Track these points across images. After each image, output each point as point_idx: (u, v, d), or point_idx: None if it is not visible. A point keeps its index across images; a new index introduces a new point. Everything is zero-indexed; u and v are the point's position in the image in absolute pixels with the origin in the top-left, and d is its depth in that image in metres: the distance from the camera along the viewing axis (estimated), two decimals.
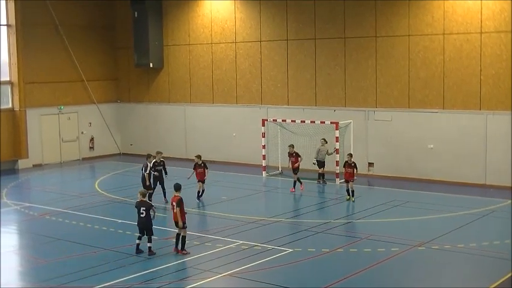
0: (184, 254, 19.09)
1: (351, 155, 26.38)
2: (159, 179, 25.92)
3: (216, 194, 27.72)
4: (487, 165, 27.85)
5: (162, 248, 19.93)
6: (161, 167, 25.95)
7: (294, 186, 27.77)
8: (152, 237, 19.33)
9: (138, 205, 19.37)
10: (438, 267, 17.79)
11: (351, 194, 25.82)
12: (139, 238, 19.32)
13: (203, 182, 26.22)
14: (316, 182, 29.24)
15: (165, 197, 25.75)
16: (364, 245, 19.79)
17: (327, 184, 29.28)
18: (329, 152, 29.45)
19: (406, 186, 28.55)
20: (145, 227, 19.25)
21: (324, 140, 29.59)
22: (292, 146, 28.28)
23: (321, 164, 29.39)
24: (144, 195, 19.72)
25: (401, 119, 30.09)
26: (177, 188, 19.54)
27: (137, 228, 19.47)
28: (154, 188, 25.71)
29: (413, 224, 22.60)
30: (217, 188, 29.05)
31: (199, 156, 26.37)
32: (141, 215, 19.19)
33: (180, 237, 19.26)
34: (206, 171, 26.24)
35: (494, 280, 16.59)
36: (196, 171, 26.19)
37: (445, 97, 28.90)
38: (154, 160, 25.74)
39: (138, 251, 19.28)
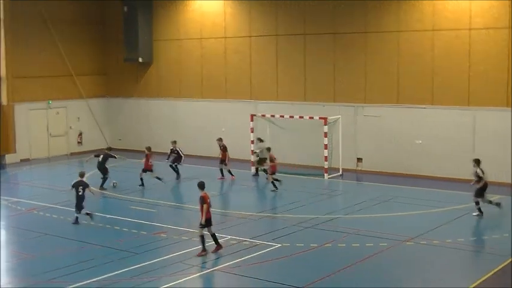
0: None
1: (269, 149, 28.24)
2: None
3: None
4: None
5: (151, 242, 19.93)
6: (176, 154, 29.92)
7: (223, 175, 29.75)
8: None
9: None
10: (426, 262, 17.86)
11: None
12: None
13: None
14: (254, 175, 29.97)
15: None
16: (352, 240, 19.83)
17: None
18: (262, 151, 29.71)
19: (394, 181, 28.61)
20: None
21: (260, 139, 30.12)
22: (220, 139, 30.23)
23: (262, 160, 29.47)
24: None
25: (390, 114, 30.13)
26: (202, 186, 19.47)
27: (127, 223, 19.43)
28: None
29: (402, 219, 22.64)
30: (206, 183, 28.95)
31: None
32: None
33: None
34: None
35: (482, 275, 16.67)
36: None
37: (434, 93, 28.97)
38: (171, 148, 29.99)
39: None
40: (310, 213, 23.34)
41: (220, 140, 30.22)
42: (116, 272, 17.16)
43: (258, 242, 19.75)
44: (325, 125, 29.65)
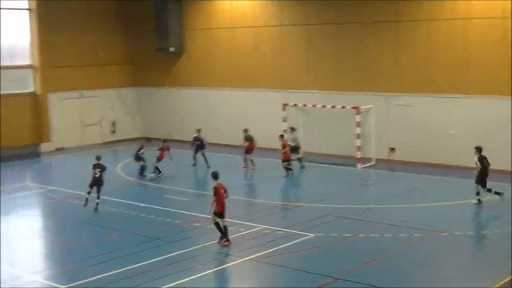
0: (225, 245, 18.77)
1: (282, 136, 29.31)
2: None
3: (237, 178, 27.87)
4: (511, 150, 27.61)
5: (184, 231, 20.09)
6: (200, 142, 30.61)
7: (247, 165, 30.13)
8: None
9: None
10: (460, 254, 17.79)
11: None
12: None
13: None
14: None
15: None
16: (385, 231, 19.79)
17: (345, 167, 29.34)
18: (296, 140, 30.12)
19: (427, 171, 28.38)
20: None
21: (293, 128, 30.35)
22: (246, 130, 30.49)
23: (296, 149, 29.78)
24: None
25: (422, 104, 29.92)
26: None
27: (161, 212, 19.62)
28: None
29: (436, 209, 22.53)
30: (239, 173, 29.18)
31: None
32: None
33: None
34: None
35: None
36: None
37: (467, 82, 28.69)
38: (195, 135, 30.67)
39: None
40: (343, 203, 23.35)
41: (245, 130, 30.39)
42: (150, 261, 17.32)
43: (291, 231, 19.82)
44: (358, 114, 29.59)
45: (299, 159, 29.73)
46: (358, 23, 31.41)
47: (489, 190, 22.65)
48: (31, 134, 35.39)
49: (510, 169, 26.97)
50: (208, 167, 29.65)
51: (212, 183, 18.88)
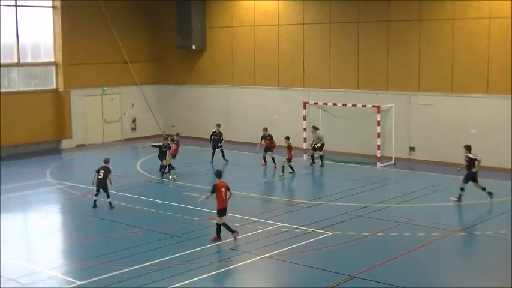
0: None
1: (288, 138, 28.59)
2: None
3: (256, 176, 27.85)
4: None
5: (202, 229, 20.10)
6: (219, 137, 30.99)
7: (266, 162, 29.98)
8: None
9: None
10: (478, 253, 17.65)
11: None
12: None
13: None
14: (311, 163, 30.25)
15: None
16: (404, 230, 19.70)
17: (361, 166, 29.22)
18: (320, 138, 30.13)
19: (447, 171, 28.17)
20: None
21: (315, 127, 30.51)
22: (266, 129, 30.07)
23: (320, 147, 29.89)
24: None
25: (444, 103, 29.73)
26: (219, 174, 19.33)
27: (179, 209, 19.63)
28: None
29: (455, 209, 22.40)
30: (258, 171, 29.17)
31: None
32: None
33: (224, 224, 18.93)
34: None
35: None
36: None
37: (489, 82, 28.46)
38: (214, 130, 31.11)
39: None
40: (362, 201, 23.24)
41: (265, 129, 30.23)
42: (168, 257, 17.38)
43: (309, 229, 19.77)
44: (378, 113, 29.45)
45: (320, 157, 29.70)
46: (380, 22, 31.27)
47: (462, 189, 22.79)
48: (53, 131, 35.65)
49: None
50: (226, 161, 30.25)
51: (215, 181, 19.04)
